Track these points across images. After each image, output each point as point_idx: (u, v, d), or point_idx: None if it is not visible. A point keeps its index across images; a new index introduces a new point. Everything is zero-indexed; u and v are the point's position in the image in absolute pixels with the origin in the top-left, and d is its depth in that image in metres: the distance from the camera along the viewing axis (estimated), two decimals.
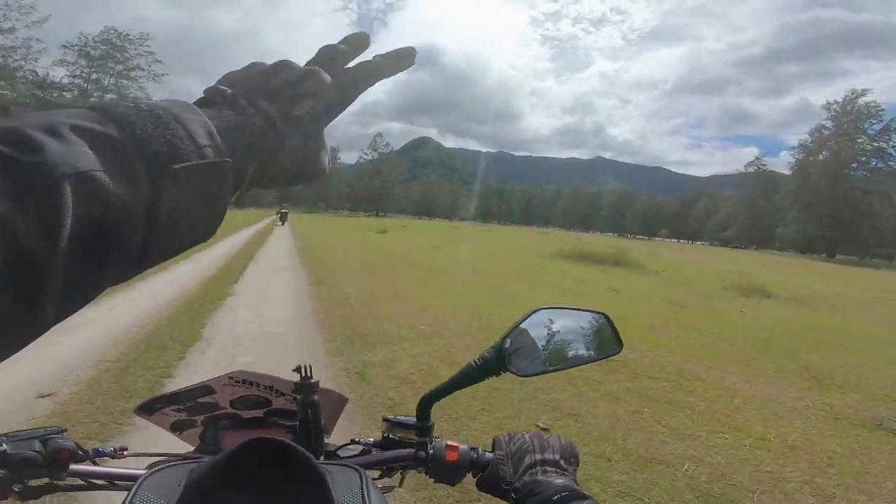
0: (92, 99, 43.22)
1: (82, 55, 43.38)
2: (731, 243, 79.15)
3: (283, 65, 0.33)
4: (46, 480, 0.60)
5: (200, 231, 0.27)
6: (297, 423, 0.70)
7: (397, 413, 0.74)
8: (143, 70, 44.93)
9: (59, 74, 41.83)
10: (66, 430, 0.62)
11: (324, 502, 0.44)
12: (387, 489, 0.68)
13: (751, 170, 78.92)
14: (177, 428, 0.76)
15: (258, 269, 9.30)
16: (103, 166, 0.22)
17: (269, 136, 0.30)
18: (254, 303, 6.00)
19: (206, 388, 0.73)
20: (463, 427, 2.94)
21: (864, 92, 59.56)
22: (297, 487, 0.46)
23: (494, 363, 0.62)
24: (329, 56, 0.35)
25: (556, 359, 0.67)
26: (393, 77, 0.38)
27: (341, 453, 0.72)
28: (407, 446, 0.69)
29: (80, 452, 0.62)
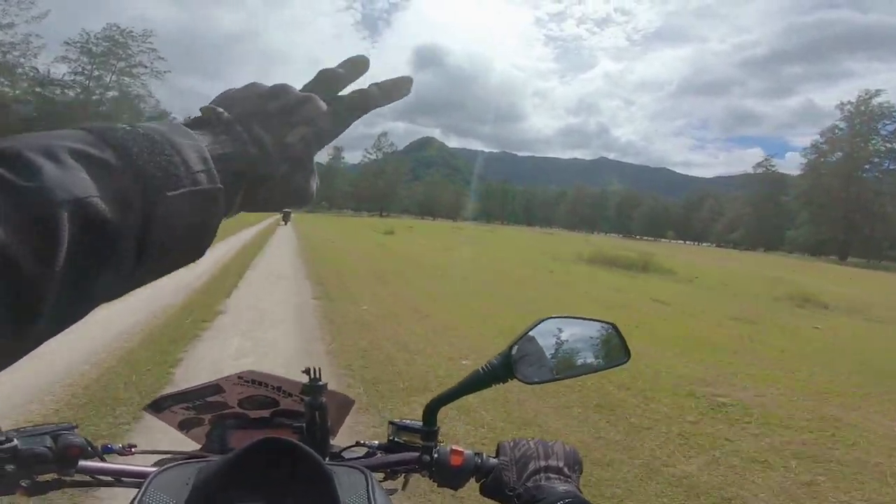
0: (94, 97, 42.39)
1: (84, 52, 42.73)
2: (739, 245, 78.01)
3: (282, 89, 0.33)
4: (54, 476, 0.59)
5: (190, 253, 0.27)
6: (305, 424, 0.69)
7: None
8: (146, 67, 44.30)
9: (61, 71, 41.19)
10: (76, 427, 0.61)
11: (330, 503, 0.45)
12: (390, 492, 0.64)
13: (759, 171, 77.86)
14: (185, 426, 0.76)
15: (257, 276, 8.14)
16: (99, 192, 0.22)
17: (260, 165, 0.30)
18: (248, 326, 4.83)
19: (215, 387, 0.73)
20: None
21: (877, 92, 58.56)
22: (304, 488, 0.46)
23: (501, 370, 0.61)
24: (327, 81, 0.35)
25: (564, 367, 0.66)
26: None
27: (346, 455, 0.70)
28: (412, 450, 0.66)
29: (89, 449, 0.61)
